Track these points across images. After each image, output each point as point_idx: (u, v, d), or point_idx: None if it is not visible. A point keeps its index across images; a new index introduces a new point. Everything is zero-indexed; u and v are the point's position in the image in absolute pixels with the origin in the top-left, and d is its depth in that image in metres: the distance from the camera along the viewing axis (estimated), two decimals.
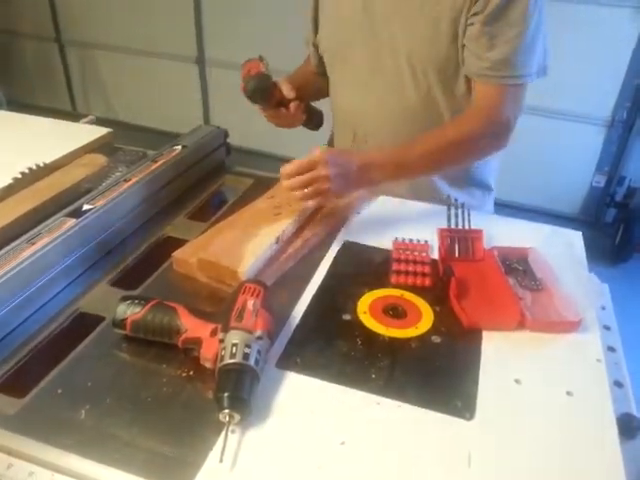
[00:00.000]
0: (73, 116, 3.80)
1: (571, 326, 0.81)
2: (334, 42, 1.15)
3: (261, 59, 1.09)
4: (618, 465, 0.63)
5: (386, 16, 1.05)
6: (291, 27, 3.01)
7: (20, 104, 3.77)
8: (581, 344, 0.80)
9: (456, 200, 1.00)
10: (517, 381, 0.73)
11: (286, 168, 0.92)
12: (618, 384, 0.77)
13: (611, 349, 0.83)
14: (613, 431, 0.67)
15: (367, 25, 1.07)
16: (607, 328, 0.87)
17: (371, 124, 1.16)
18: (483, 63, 1.00)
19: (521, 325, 0.81)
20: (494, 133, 1.05)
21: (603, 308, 0.91)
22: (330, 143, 1.32)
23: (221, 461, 0.59)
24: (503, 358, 0.76)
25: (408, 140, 1.04)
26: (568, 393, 0.72)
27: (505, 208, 2.80)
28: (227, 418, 0.62)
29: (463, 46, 1.02)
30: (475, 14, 0.98)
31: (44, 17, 3.82)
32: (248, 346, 0.67)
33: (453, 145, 1.02)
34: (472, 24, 0.99)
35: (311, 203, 0.93)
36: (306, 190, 0.91)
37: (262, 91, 1.07)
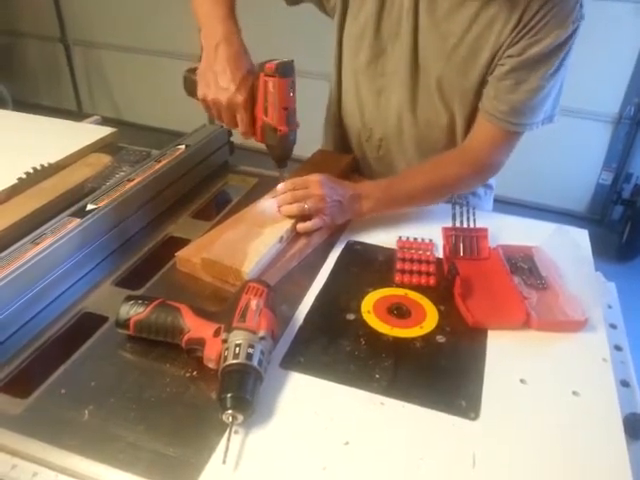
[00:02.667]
0: (78, 116, 3.81)
1: (577, 325, 0.81)
2: (369, 43, 1.05)
3: (290, 69, 0.87)
4: (624, 466, 0.63)
5: (426, 32, 1.00)
6: (299, 25, 3.02)
7: (26, 104, 3.78)
8: (587, 343, 0.79)
9: (460, 198, 1.00)
10: (522, 381, 0.72)
11: (281, 185, 0.96)
12: (625, 383, 0.77)
13: (617, 348, 0.83)
14: (619, 431, 0.67)
15: (410, 32, 1.01)
16: (613, 327, 0.86)
17: (391, 133, 1.13)
18: (499, 105, 1.00)
19: (526, 324, 0.80)
20: (484, 175, 1.11)
21: (610, 307, 0.91)
22: (326, 145, 1.29)
23: (224, 462, 0.59)
24: (508, 357, 0.76)
25: (401, 174, 1.08)
26: (574, 393, 0.71)
27: (511, 205, 2.81)
28: (230, 419, 0.62)
29: (486, 81, 1.01)
30: (510, 56, 0.96)
31: (49, 17, 3.83)
32: (251, 346, 0.66)
33: (443, 185, 1.05)
34: (502, 65, 0.98)
35: (309, 224, 0.95)
36: (305, 206, 0.93)
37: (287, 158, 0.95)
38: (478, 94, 1.03)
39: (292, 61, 0.88)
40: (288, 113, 0.88)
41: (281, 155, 0.94)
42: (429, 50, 1.01)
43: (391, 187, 1.02)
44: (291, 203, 0.95)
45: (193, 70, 0.95)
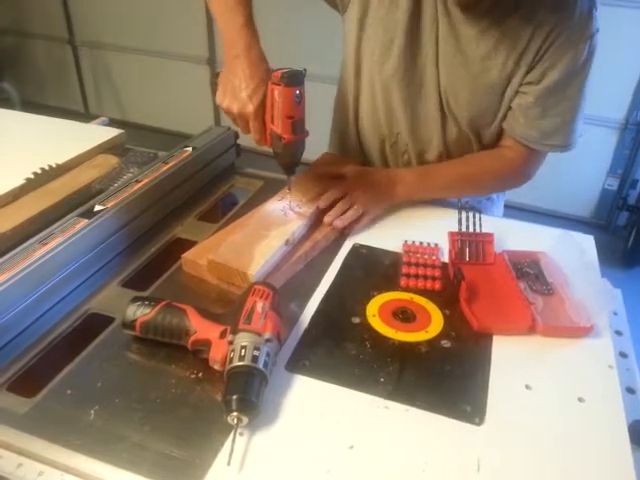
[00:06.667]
0: (85, 117, 3.84)
1: (583, 331, 0.80)
2: (399, 52, 1.01)
3: (297, 78, 0.86)
4: (630, 473, 0.62)
5: (442, 44, 0.98)
6: (304, 27, 3.03)
7: (33, 104, 3.81)
8: (593, 350, 0.79)
9: (467, 203, 1.00)
10: (527, 386, 0.72)
11: (322, 203, 1.01)
12: (630, 390, 0.76)
13: (623, 355, 0.82)
14: (624, 439, 0.66)
15: (433, 43, 0.99)
16: (619, 333, 0.86)
17: (419, 141, 1.11)
18: (531, 131, 1.01)
19: (532, 330, 0.80)
20: (516, 184, 1.13)
21: (615, 313, 0.90)
22: (332, 149, 1.28)
23: (229, 464, 0.59)
24: (513, 363, 0.76)
25: (436, 164, 1.10)
26: (579, 399, 0.71)
27: (517, 211, 2.80)
28: (235, 421, 0.62)
29: (509, 108, 1.01)
30: (529, 83, 0.96)
31: (57, 19, 3.86)
32: (257, 348, 0.67)
33: (479, 178, 1.09)
34: (525, 93, 0.98)
35: (348, 215, 0.99)
36: (360, 210, 1.00)
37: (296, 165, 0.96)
38: (484, 114, 1.03)
39: (302, 71, 0.87)
40: (293, 122, 0.88)
41: (287, 163, 0.94)
42: (441, 62, 1.00)
43: (426, 174, 1.06)
44: (344, 211, 0.99)
45: (218, 75, 0.96)
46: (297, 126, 0.89)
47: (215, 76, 0.97)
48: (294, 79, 0.86)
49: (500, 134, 1.07)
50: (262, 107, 0.90)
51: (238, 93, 0.90)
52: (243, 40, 0.91)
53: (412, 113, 1.07)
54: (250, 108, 0.90)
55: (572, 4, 0.91)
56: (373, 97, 1.10)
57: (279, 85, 0.86)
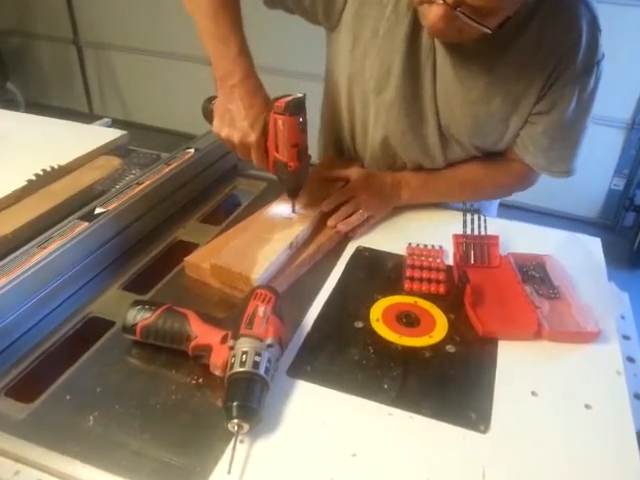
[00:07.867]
0: (89, 117, 3.84)
1: (590, 336, 0.79)
2: (397, 83, 0.97)
3: (300, 106, 0.86)
4: None
5: (440, 75, 0.95)
6: (306, 29, 3.02)
7: (37, 105, 3.81)
8: (600, 355, 0.78)
9: (471, 205, 0.98)
10: (533, 393, 0.71)
11: (326, 205, 1.00)
12: (638, 397, 0.75)
13: (631, 360, 0.81)
14: (633, 446, 0.65)
15: (430, 71, 0.96)
16: (627, 338, 0.85)
17: (419, 162, 1.08)
18: (539, 160, 1.02)
19: (538, 335, 0.79)
20: (519, 190, 1.13)
21: (622, 317, 0.89)
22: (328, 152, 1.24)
23: (229, 472, 0.58)
24: (519, 369, 0.75)
25: (440, 171, 1.09)
26: (586, 406, 0.70)
27: (522, 211, 2.78)
28: (236, 428, 0.61)
29: (517, 134, 1.00)
30: (539, 113, 0.96)
31: (62, 19, 3.86)
32: (258, 354, 0.66)
33: (480, 191, 1.11)
34: (534, 123, 0.97)
35: (353, 219, 0.99)
36: (365, 214, 1.00)
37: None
38: (488, 136, 1.01)
39: (303, 97, 0.86)
40: (298, 150, 0.88)
41: (293, 188, 0.96)
42: (439, 90, 0.97)
43: (431, 179, 1.06)
44: (349, 215, 0.99)
45: (211, 100, 0.95)
46: (302, 153, 0.89)
47: (207, 101, 0.96)
48: (297, 108, 0.85)
49: (507, 147, 1.05)
50: (264, 136, 0.89)
51: (238, 122, 0.89)
52: (239, 69, 0.89)
53: (410, 141, 1.03)
54: (252, 137, 0.88)
55: (576, 44, 0.90)
56: (365, 121, 1.06)
57: (283, 115, 0.85)
